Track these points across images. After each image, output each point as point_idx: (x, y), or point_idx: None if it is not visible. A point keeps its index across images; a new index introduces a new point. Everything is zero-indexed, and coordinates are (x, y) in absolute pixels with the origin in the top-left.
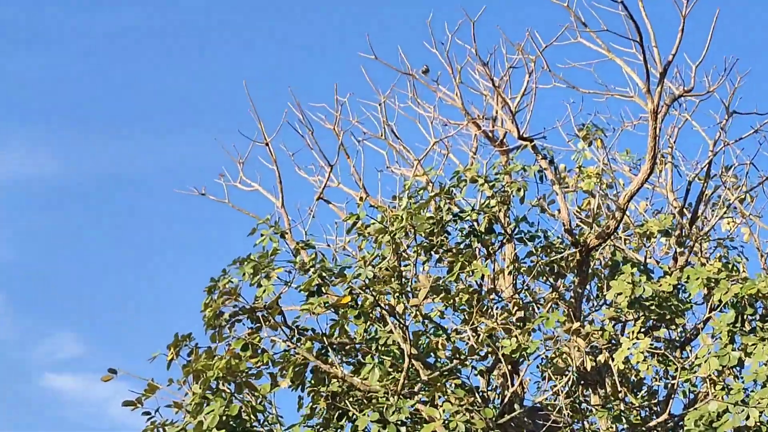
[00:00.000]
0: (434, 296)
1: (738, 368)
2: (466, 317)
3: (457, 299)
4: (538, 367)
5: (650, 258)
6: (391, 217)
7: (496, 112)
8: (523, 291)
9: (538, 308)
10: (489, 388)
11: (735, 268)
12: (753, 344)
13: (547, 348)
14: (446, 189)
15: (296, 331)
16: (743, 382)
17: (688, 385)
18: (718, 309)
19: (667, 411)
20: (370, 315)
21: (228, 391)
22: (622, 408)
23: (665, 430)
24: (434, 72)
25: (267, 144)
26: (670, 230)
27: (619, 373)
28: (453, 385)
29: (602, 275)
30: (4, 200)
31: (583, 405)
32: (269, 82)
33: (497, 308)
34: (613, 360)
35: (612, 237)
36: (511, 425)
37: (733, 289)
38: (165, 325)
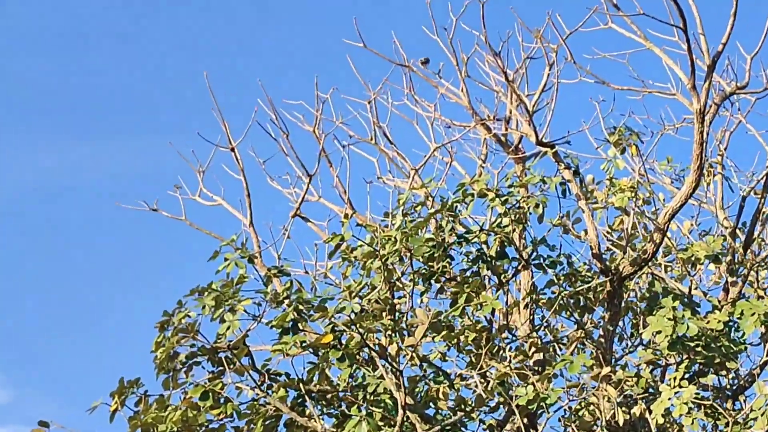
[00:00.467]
0: (434, 334)
1: None
2: (473, 360)
3: (462, 338)
4: (560, 420)
5: (696, 289)
6: (383, 239)
7: (510, 112)
8: (542, 328)
9: (561, 349)
10: None
11: None
12: None
13: (571, 398)
14: (449, 205)
15: (267, 376)
16: None
17: None
18: None
19: None
20: (357, 357)
21: None
22: None
23: None
24: (435, 63)
25: (233, 149)
26: (719, 255)
27: (658, 428)
28: None
29: (638, 310)
30: None
31: None
32: (236, 75)
33: (511, 349)
34: (650, 412)
35: (650, 263)
36: None
37: None
38: (109, 368)
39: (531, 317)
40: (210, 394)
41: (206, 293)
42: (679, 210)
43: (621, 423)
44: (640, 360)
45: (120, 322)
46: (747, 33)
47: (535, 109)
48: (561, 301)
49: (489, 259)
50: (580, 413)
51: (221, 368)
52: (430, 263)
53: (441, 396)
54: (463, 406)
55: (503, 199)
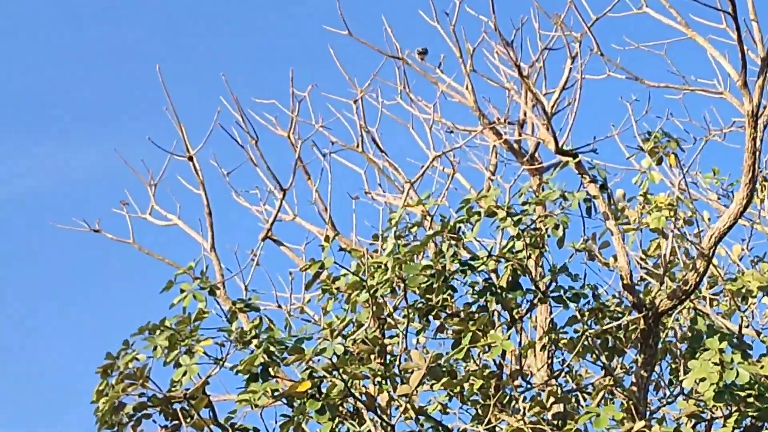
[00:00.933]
0: (433, 382)
1: None
2: (480, 412)
3: (466, 386)
4: None
5: (747, 327)
6: (371, 266)
7: (524, 114)
8: (562, 374)
9: (585, 400)
10: None
11: None
12: None
13: None
14: (451, 225)
15: None
16: None
17: None
18: None
19: None
20: (340, 409)
21: None
22: None
23: None
24: (435, 55)
25: (190, 158)
26: None
27: None
28: None
29: (678, 352)
30: None
31: None
32: (196, 68)
33: (525, 399)
34: None
35: (692, 297)
36: None
37: None
38: (42, 419)
39: (549, 361)
40: None
41: (158, 331)
42: (727, 232)
43: None
44: (681, 413)
45: (55, 366)
46: None
47: (554, 111)
48: (585, 342)
49: (499, 290)
50: None
51: (176, 422)
52: (427, 296)
53: None
54: None
55: (516, 218)
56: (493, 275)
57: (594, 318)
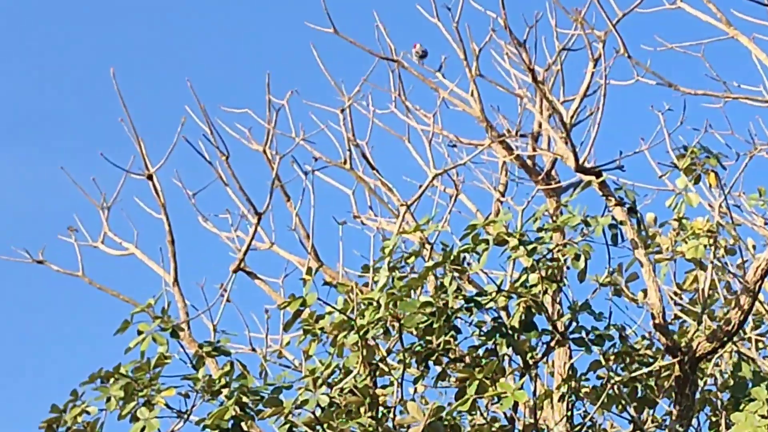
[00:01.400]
0: None
1: None
2: None
3: None
4: None
5: None
6: (361, 303)
7: (539, 125)
8: (584, 428)
9: None
10: None
11: None
12: None
13: None
14: (455, 255)
15: None
16: None
17: None
18: None
19: None
20: None
21: None
22: None
23: None
24: (434, 57)
25: (150, 177)
26: None
27: None
28: None
29: (718, 403)
30: None
31: None
32: (156, 72)
33: None
34: None
35: (735, 338)
36: None
37: None
38: None
39: (569, 413)
40: None
41: (112, 380)
42: None
43: None
44: None
45: None
46: None
47: (574, 122)
48: (611, 391)
49: (510, 331)
50: None
51: None
52: (427, 337)
53: None
54: None
55: (530, 247)
56: (503, 314)
57: (621, 363)
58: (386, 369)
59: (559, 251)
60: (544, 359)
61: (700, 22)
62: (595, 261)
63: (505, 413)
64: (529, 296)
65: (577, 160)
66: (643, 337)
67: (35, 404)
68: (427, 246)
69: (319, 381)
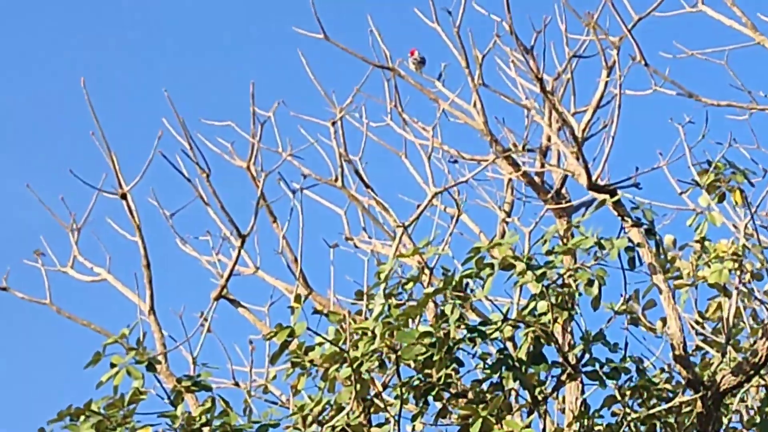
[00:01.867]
0: None
1: None
2: None
3: None
4: None
5: None
6: (355, 333)
7: (548, 139)
8: None
9: None
10: None
11: None
12: None
13: None
14: (457, 281)
15: None
16: None
17: None
18: None
19: None
20: None
21: None
22: None
23: None
24: (434, 64)
25: (124, 196)
26: None
27: None
28: None
29: None
30: None
31: None
32: (131, 82)
33: None
34: None
35: (763, 371)
36: None
37: None
38: None
39: None
40: None
41: (83, 417)
42: None
43: None
44: None
45: None
46: None
47: (586, 135)
48: (626, 429)
49: (517, 364)
50: None
51: None
52: (426, 371)
53: None
54: None
55: (539, 272)
56: (509, 345)
57: (638, 398)
58: (382, 405)
59: (570, 276)
60: (554, 394)
61: (724, 27)
62: (609, 287)
63: None
64: (537, 326)
65: (589, 177)
66: (662, 370)
67: None
68: (427, 271)
69: (309, 418)
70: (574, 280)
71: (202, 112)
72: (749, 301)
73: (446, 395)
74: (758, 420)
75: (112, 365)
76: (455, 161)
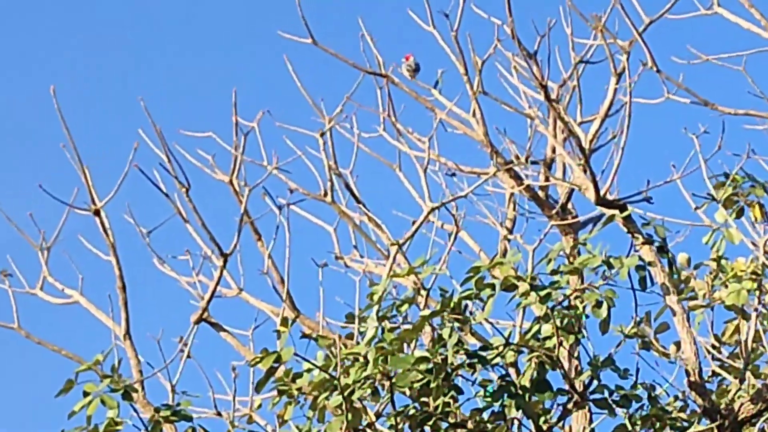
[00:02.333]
0: None
1: None
2: None
3: None
4: None
5: None
6: (346, 358)
7: (553, 151)
8: None
9: None
10: None
11: None
12: None
13: None
14: (455, 302)
15: None
16: None
17: None
18: None
19: None
20: None
21: None
22: None
23: None
24: (430, 71)
25: (97, 213)
26: None
27: None
28: None
29: None
30: None
31: None
32: (104, 90)
33: None
34: None
35: None
36: None
37: None
38: None
39: None
40: None
41: None
42: None
43: None
44: None
45: None
46: None
47: (593, 146)
48: None
49: (520, 392)
50: None
51: None
52: (423, 399)
53: None
54: None
55: (543, 293)
56: (512, 371)
57: (650, 428)
58: None
59: (576, 298)
60: (560, 424)
61: (742, 30)
62: (619, 309)
63: None
64: (542, 350)
65: (597, 191)
66: (676, 398)
67: None
68: (423, 292)
69: None
70: (581, 302)
71: (180, 122)
72: None
73: (444, 425)
74: None
75: (85, 394)
76: (453, 174)
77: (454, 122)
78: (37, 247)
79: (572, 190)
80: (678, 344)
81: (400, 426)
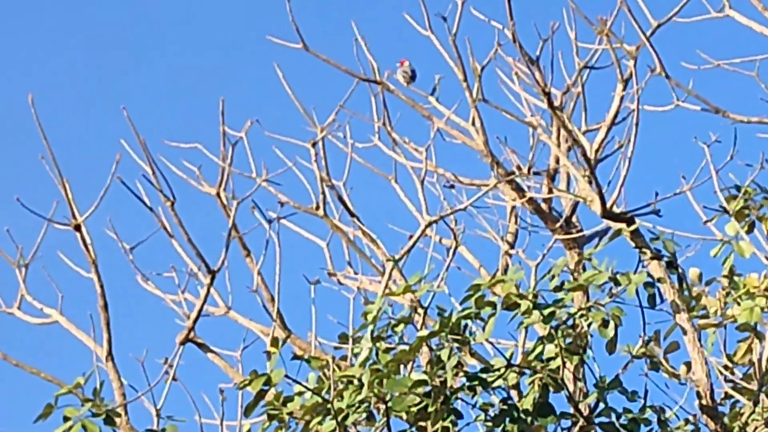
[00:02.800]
0: None
1: None
2: None
3: None
4: None
5: None
6: (339, 381)
7: (557, 161)
8: None
9: None
10: None
11: None
12: None
13: None
14: (454, 322)
15: None
16: None
17: None
18: None
19: None
20: None
21: None
22: None
23: None
24: (427, 77)
25: (77, 228)
26: None
27: None
28: None
29: None
30: None
31: None
32: (85, 99)
33: None
34: None
35: None
36: None
37: None
38: None
39: None
40: None
41: None
42: None
43: None
44: None
45: None
46: None
47: (599, 156)
48: None
49: (523, 416)
50: None
51: None
52: (420, 423)
53: None
54: None
55: (546, 311)
56: (514, 393)
57: None
58: None
59: (582, 316)
60: None
61: (754, 34)
62: (626, 328)
63: None
64: (545, 372)
65: (603, 203)
66: (687, 421)
67: None
68: (420, 311)
69: None
70: (587, 321)
71: (165, 131)
72: None
73: None
74: None
75: (66, 419)
76: (452, 186)
77: (453, 131)
78: (15, 263)
79: (577, 202)
80: (689, 365)
81: None
